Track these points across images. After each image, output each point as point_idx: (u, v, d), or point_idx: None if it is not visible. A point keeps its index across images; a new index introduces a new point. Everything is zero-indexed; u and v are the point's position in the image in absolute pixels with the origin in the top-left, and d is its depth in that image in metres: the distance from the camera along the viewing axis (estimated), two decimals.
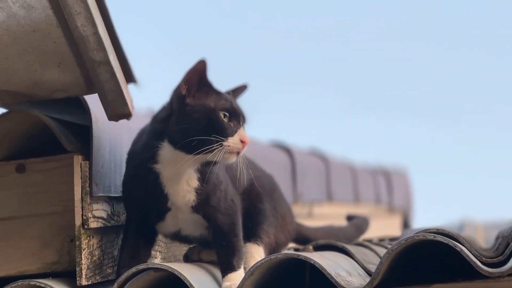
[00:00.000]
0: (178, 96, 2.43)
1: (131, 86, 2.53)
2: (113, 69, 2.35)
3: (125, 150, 2.63)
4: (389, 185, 6.58)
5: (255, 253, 2.62)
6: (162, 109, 2.50)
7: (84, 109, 2.51)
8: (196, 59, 2.40)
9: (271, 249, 2.70)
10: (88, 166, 2.45)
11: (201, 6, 8.70)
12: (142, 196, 2.48)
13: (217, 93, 2.45)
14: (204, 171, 2.46)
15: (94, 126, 2.47)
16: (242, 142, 2.41)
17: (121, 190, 2.58)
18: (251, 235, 2.64)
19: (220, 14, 8.81)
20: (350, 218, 3.38)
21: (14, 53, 2.42)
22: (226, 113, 2.42)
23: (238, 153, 2.42)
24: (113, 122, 2.54)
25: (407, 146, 8.87)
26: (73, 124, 2.60)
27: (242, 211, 2.59)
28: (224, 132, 2.39)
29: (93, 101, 2.52)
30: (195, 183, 2.47)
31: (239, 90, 2.57)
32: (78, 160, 2.46)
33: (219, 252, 2.50)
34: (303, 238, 2.96)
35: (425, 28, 9.36)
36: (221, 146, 2.37)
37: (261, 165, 2.93)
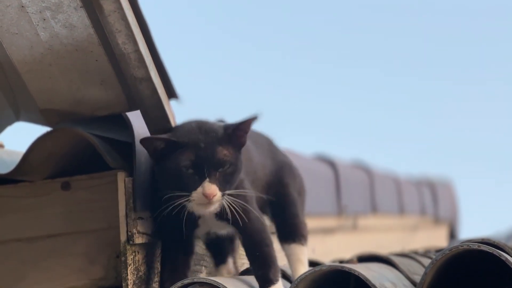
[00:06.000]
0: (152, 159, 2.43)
1: (172, 102, 2.55)
2: (155, 86, 2.37)
3: None
4: (434, 196, 6.53)
5: (301, 255, 2.60)
6: None
7: (127, 126, 2.54)
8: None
9: None
10: (131, 182, 2.47)
11: (241, 21, 8.74)
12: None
13: (181, 145, 2.36)
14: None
15: (136, 143, 2.49)
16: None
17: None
18: (290, 234, 2.62)
19: (261, 29, 8.84)
20: None
21: (57, 72, 2.45)
22: (190, 168, 2.35)
23: (209, 203, 2.34)
24: None
25: (452, 155, 8.80)
26: (115, 141, 2.63)
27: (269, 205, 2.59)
28: (187, 188, 2.34)
29: (135, 118, 2.54)
30: None
31: (248, 122, 2.41)
32: (122, 176, 2.47)
33: (253, 264, 2.47)
34: None
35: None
36: (189, 202, 2.35)
37: (305, 178, 2.92)
